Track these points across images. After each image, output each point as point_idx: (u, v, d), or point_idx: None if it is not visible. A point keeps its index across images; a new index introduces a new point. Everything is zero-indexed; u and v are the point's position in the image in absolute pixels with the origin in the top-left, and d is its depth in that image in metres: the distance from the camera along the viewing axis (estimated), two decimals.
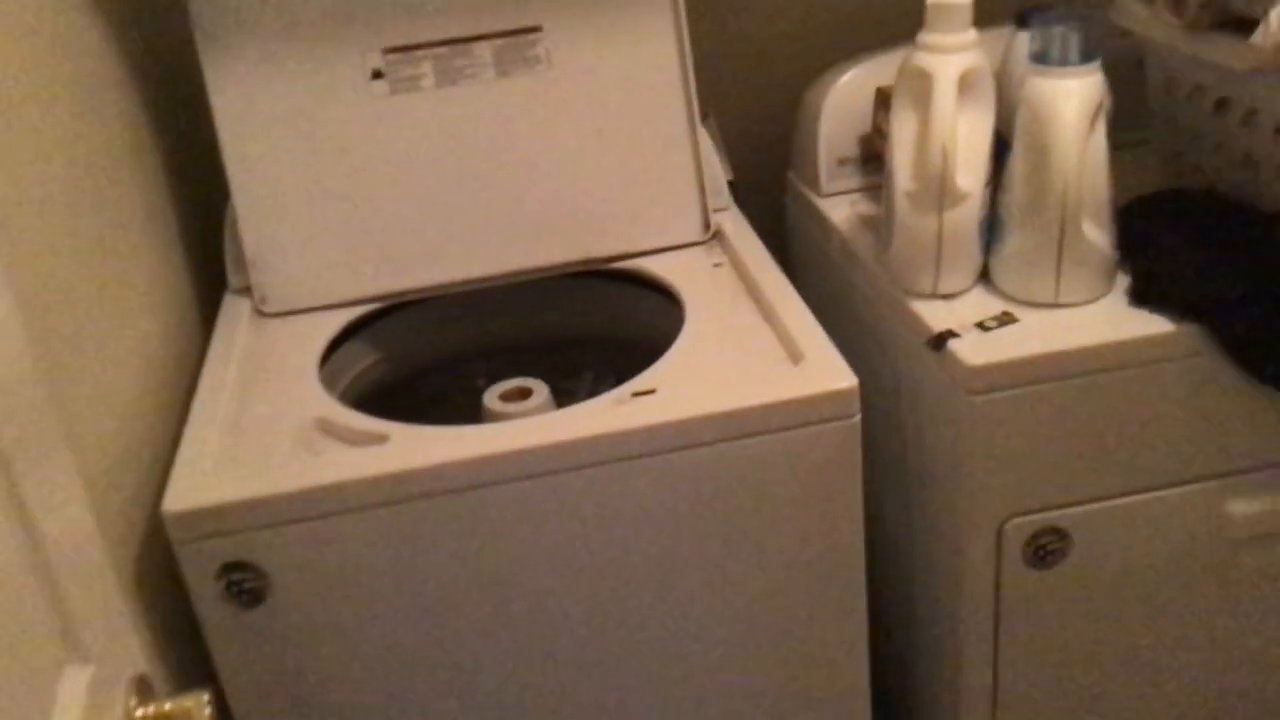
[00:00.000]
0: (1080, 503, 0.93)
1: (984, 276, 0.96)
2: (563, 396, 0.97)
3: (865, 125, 1.13)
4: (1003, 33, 0.98)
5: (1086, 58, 0.86)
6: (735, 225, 1.09)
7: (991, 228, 0.94)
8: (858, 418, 0.84)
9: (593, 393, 0.88)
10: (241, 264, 1.03)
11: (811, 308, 0.93)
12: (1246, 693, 1.06)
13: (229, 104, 1.00)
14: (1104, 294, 0.93)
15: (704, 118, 1.08)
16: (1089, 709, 1.04)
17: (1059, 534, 0.94)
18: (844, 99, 1.12)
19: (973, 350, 0.88)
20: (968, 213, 0.91)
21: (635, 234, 1.06)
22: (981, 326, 0.90)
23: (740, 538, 0.86)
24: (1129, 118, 0.96)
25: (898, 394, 1.00)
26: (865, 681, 0.94)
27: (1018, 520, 0.93)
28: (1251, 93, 0.91)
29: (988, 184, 0.92)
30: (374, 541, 0.80)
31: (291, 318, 1.02)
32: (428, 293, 1.05)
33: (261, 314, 1.02)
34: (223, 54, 0.99)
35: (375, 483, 0.78)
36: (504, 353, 1.09)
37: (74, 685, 0.51)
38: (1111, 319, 0.90)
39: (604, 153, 1.05)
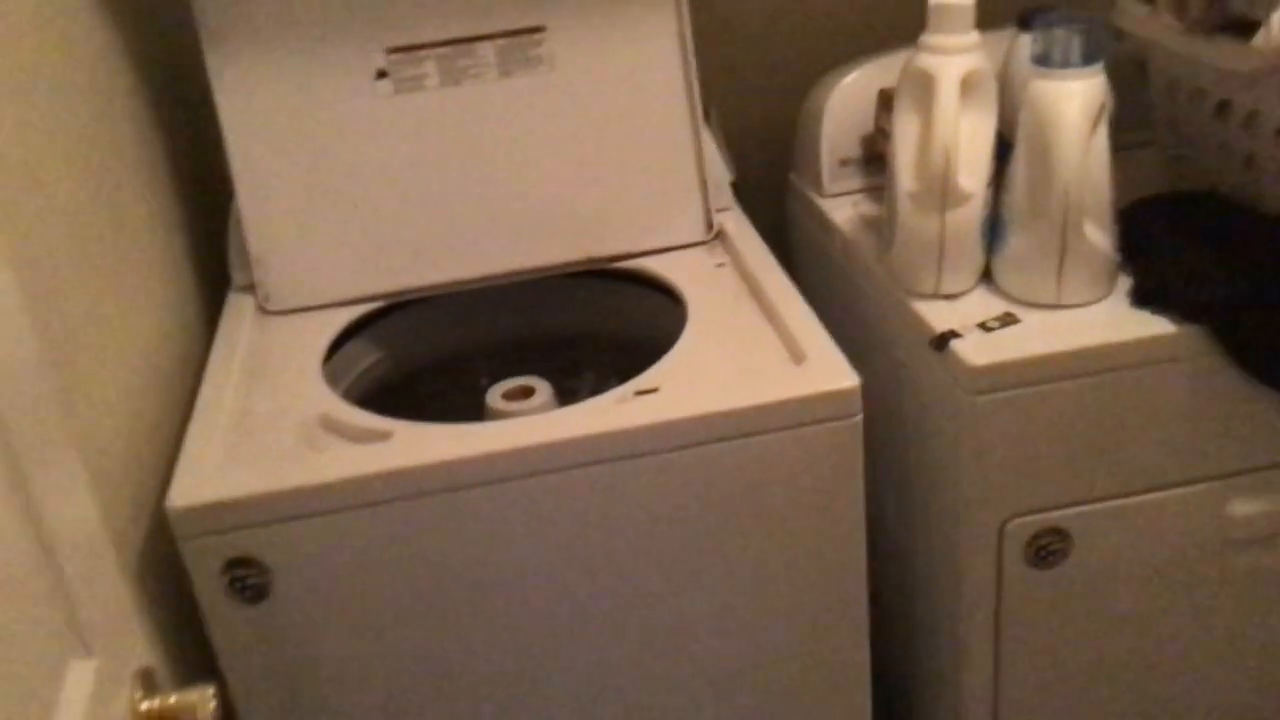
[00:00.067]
0: (1081, 503, 0.94)
1: (986, 277, 0.96)
2: (565, 396, 0.97)
3: (868, 126, 1.13)
4: (1005, 35, 0.99)
5: (1089, 60, 0.86)
6: (738, 225, 1.09)
7: (993, 228, 0.94)
8: (859, 417, 0.84)
9: (595, 392, 0.88)
10: (245, 262, 1.03)
11: (813, 308, 0.93)
12: (1247, 693, 1.06)
13: (233, 103, 1.00)
14: (1105, 295, 0.93)
15: (706, 118, 1.09)
16: (1090, 708, 1.04)
17: (1060, 534, 0.94)
18: (847, 100, 1.13)
19: (975, 350, 0.88)
20: (970, 213, 0.91)
21: (638, 233, 1.06)
22: (983, 327, 0.91)
23: (742, 536, 0.86)
24: (1131, 120, 0.96)
25: (899, 394, 1.00)
26: (866, 680, 0.94)
27: (1019, 520, 0.93)
28: (1253, 95, 0.92)
29: (990, 185, 0.92)
30: (377, 538, 0.80)
31: (295, 315, 1.02)
32: (431, 291, 1.05)
33: (265, 312, 1.03)
34: (227, 53, 0.99)
35: (378, 480, 0.79)
36: (507, 352, 1.09)
37: (80, 678, 0.51)
38: (1113, 320, 0.90)
39: (607, 152, 1.05)
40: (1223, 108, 0.96)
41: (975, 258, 0.95)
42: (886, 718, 1.12)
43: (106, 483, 0.75)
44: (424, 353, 1.10)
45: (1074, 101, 0.86)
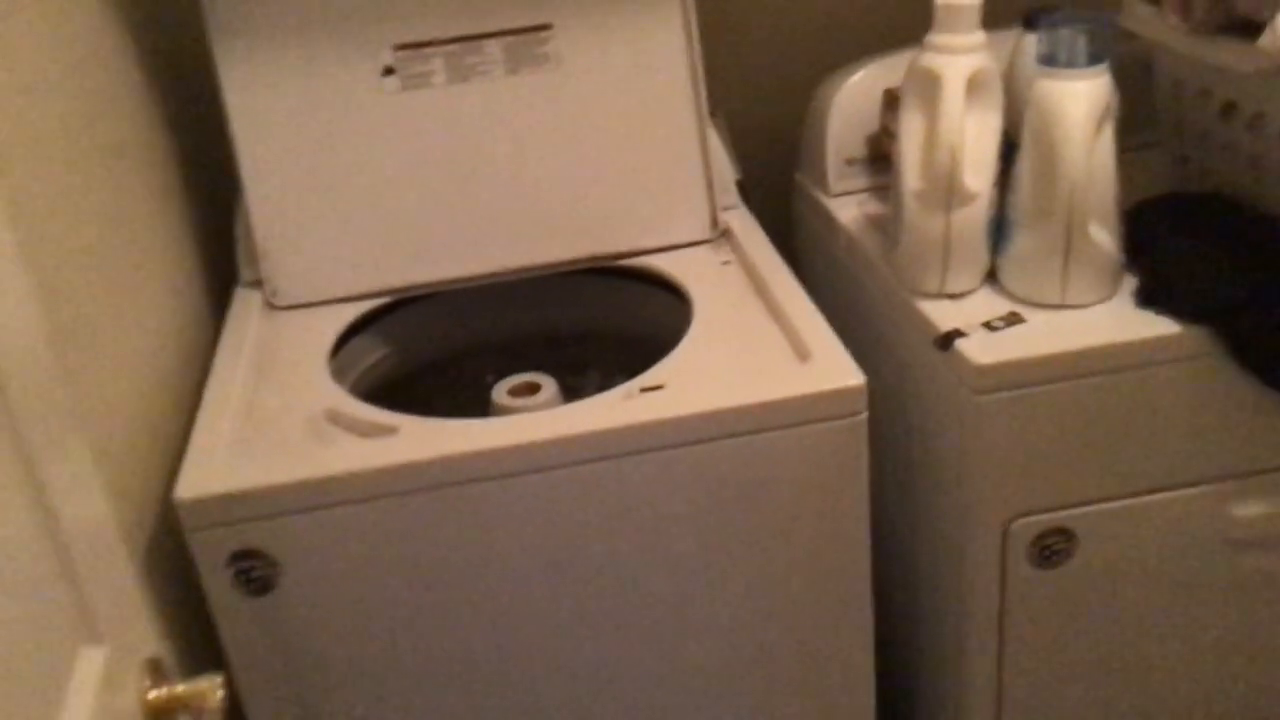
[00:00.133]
0: (1085, 503, 0.94)
1: (991, 277, 0.96)
2: (570, 393, 0.97)
3: (873, 126, 1.13)
4: (1011, 34, 0.99)
5: (1094, 60, 0.86)
6: (743, 224, 1.09)
7: (999, 228, 0.94)
8: (865, 415, 0.84)
9: (600, 390, 0.88)
10: (253, 257, 1.04)
11: (818, 307, 0.93)
12: (1249, 694, 1.06)
13: (242, 99, 1.00)
14: (1110, 296, 0.93)
15: (712, 116, 1.09)
16: (1092, 708, 1.04)
17: (1064, 534, 0.94)
18: (852, 99, 1.13)
19: (980, 350, 0.88)
20: (975, 213, 0.92)
21: (643, 231, 1.07)
22: (988, 326, 0.91)
23: (746, 534, 0.86)
24: (1136, 121, 0.96)
25: (904, 393, 1.00)
26: (870, 678, 0.94)
27: (1023, 520, 0.93)
28: (1258, 96, 0.92)
29: (995, 185, 0.92)
30: (383, 532, 0.80)
31: (302, 311, 1.03)
32: (437, 288, 1.05)
33: (272, 307, 1.03)
34: (236, 49, 0.99)
35: (385, 473, 0.79)
36: (512, 348, 1.10)
37: (89, 665, 0.51)
38: (1118, 320, 0.91)
39: (613, 150, 1.05)
40: (1228, 109, 0.96)
41: (980, 257, 0.95)
42: (890, 716, 1.12)
43: (115, 474, 0.76)
44: (430, 349, 1.10)
45: (1079, 101, 0.86)
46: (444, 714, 0.88)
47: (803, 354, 0.88)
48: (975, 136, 0.89)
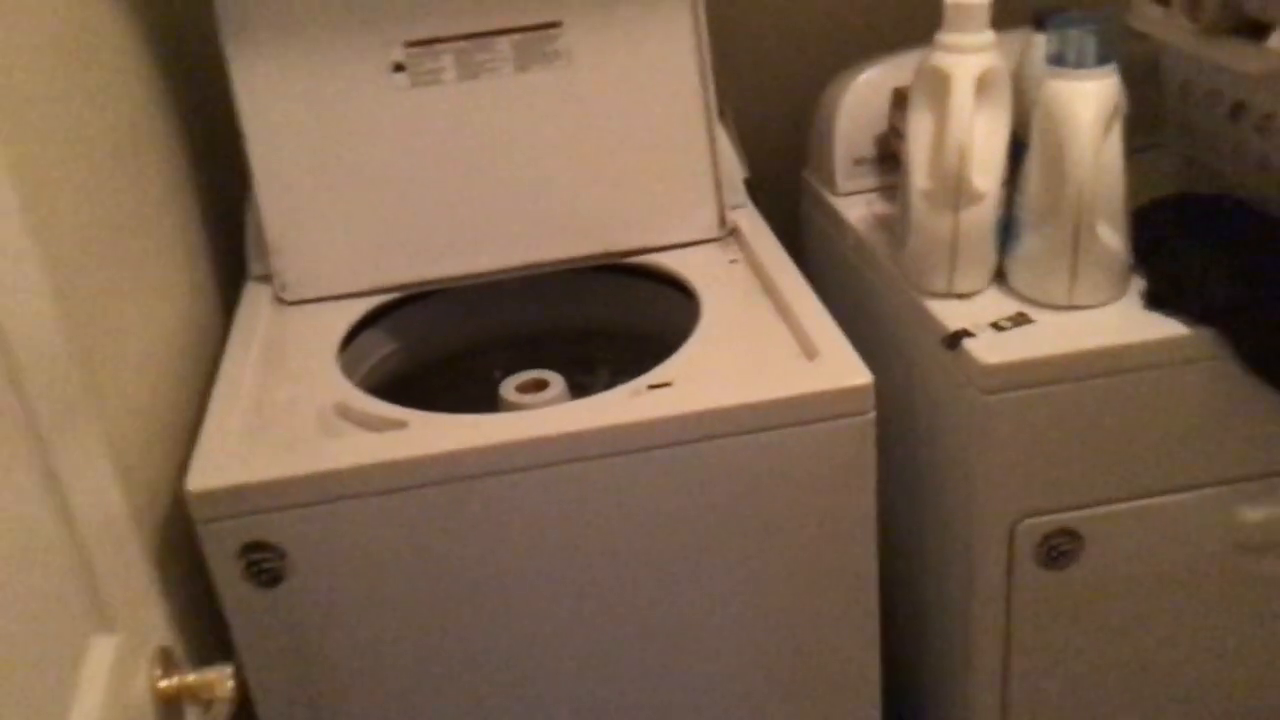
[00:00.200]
0: (1093, 504, 0.94)
1: (999, 277, 0.96)
2: (578, 390, 0.97)
3: (882, 125, 1.13)
4: (1020, 35, 0.99)
5: (1103, 60, 0.86)
6: (751, 222, 1.09)
7: (1007, 228, 0.94)
8: (872, 414, 0.84)
9: (608, 388, 0.88)
10: (263, 252, 1.04)
11: (826, 306, 0.93)
12: (1255, 696, 1.06)
13: (253, 94, 1.01)
14: (1118, 297, 0.93)
15: (722, 116, 1.09)
16: (1098, 709, 1.04)
17: (1071, 535, 0.94)
18: (861, 98, 1.13)
19: (987, 350, 0.88)
20: (983, 213, 0.92)
21: (651, 229, 1.07)
22: (996, 326, 0.91)
23: (753, 531, 0.86)
24: (1144, 122, 0.96)
25: (911, 392, 1.00)
26: (876, 677, 0.94)
27: (1030, 521, 0.93)
28: (1267, 97, 0.92)
29: (1004, 185, 0.92)
30: (391, 525, 0.81)
31: (311, 306, 1.03)
32: (445, 284, 1.06)
33: (282, 301, 1.03)
34: (247, 45, 1.00)
35: (394, 467, 0.79)
36: (520, 345, 1.10)
37: (102, 653, 0.52)
38: (1125, 322, 0.91)
39: (621, 148, 1.06)
40: (1237, 110, 0.96)
41: (988, 257, 0.95)
42: (895, 716, 1.12)
43: (127, 466, 0.76)
44: (438, 345, 1.10)
45: (1088, 102, 0.86)
46: (450, 707, 0.88)
47: (810, 352, 0.88)
48: (984, 136, 0.89)
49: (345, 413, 0.86)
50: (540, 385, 0.96)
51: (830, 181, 1.16)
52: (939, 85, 0.89)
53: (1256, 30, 0.86)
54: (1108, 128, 0.87)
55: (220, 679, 0.58)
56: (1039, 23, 0.98)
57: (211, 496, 0.78)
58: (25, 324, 0.52)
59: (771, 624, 0.90)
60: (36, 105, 0.74)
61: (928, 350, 0.95)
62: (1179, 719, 1.06)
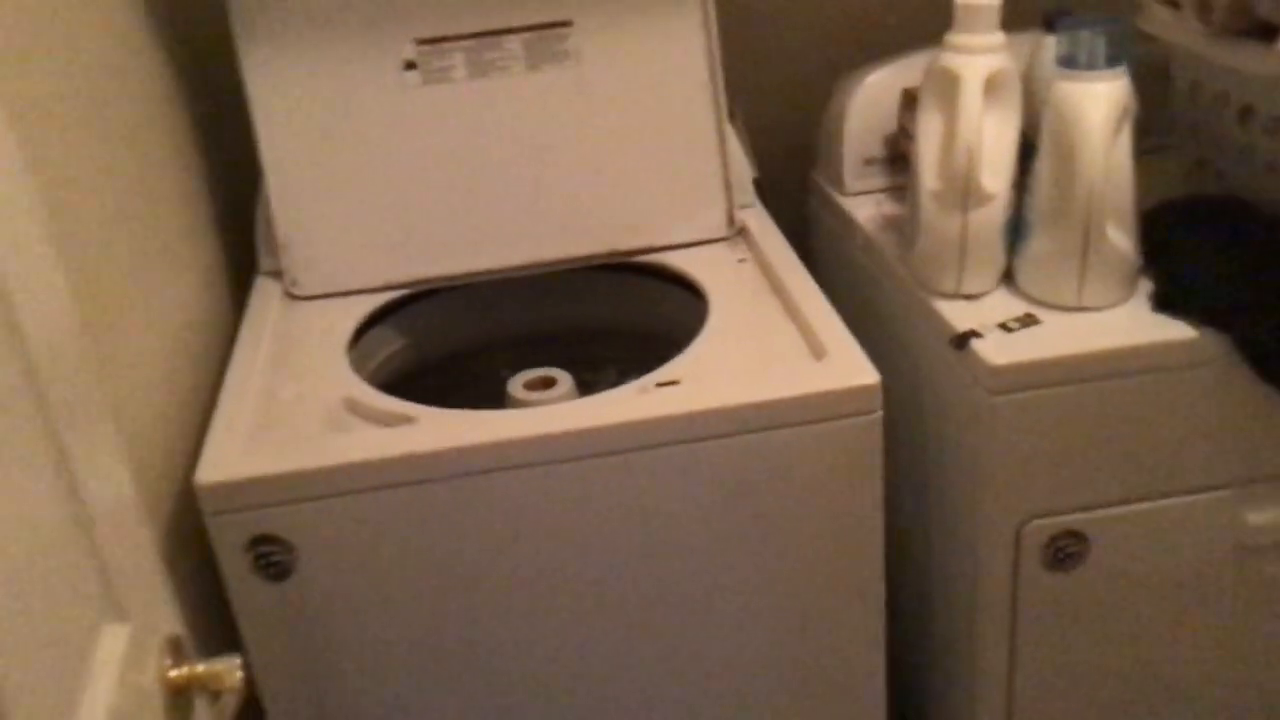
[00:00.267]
0: (1099, 506, 0.94)
1: (1007, 278, 0.96)
2: (586, 388, 0.97)
3: (891, 126, 1.13)
4: (1030, 36, 0.99)
5: (1113, 62, 0.86)
6: (760, 222, 1.09)
7: (1016, 229, 0.94)
8: (879, 414, 0.84)
9: (616, 385, 0.88)
10: (273, 248, 1.05)
11: (834, 306, 0.94)
12: (1261, 699, 1.06)
13: (264, 91, 1.01)
14: (1126, 298, 0.93)
15: (730, 115, 1.09)
16: (1104, 711, 1.04)
17: (1077, 537, 0.94)
18: (870, 99, 1.13)
19: (995, 350, 0.88)
20: (992, 214, 0.92)
21: (660, 228, 1.07)
22: (1004, 327, 0.91)
23: (759, 530, 0.86)
24: (1153, 124, 0.96)
25: (919, 393, 1.00)
26: (882, 677, 0.94)
27: (1036, 522, 0.93)
28: (1276, 99, 0.92)
29: (1013, 186, 0.92)
30: (399, 520, 0.81)
31: (321, 301, 1.03)
32: (455, 281, 1.06)
33: (292, 297, 1.04)
34: (259, 42, 1.00)
35: (403, 462, 0.80)
36: (529, 343, 1.10)
37: (113, 642, 0.52)
38: (1133, 323, 0.91)
39: (631, 147, 1.06)
40: (1246, 112, 0.96)
41: (997, 258, 0.95)
42: (900, 717, 1.13)
43: (138, 458, 0.76)
44: (446, 342, 1.11)
45: (1098, 103, 0.86)
46: (456, 700, 0.88)
47: (818, 352, 0.88)
48: (993, 137, 0.89)
49: (354, 408, 0.87)
50: (548, 383, 0.96)
51: (839, 181, 1.16)
52: (948, 86, 0.89)
53: (1267, 32, 0.86)
54: (1117, 129, 0.87)
55: (229, 670, 0.58)
56: (1049, 24, 0.98)
57: (221, 489, 0.78)
58: (40, 318, 0.52)
59: (777, 623, 0.90)
60: (52, 103, 0.75)
61: (935, 350, 0.95)
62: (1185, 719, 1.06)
